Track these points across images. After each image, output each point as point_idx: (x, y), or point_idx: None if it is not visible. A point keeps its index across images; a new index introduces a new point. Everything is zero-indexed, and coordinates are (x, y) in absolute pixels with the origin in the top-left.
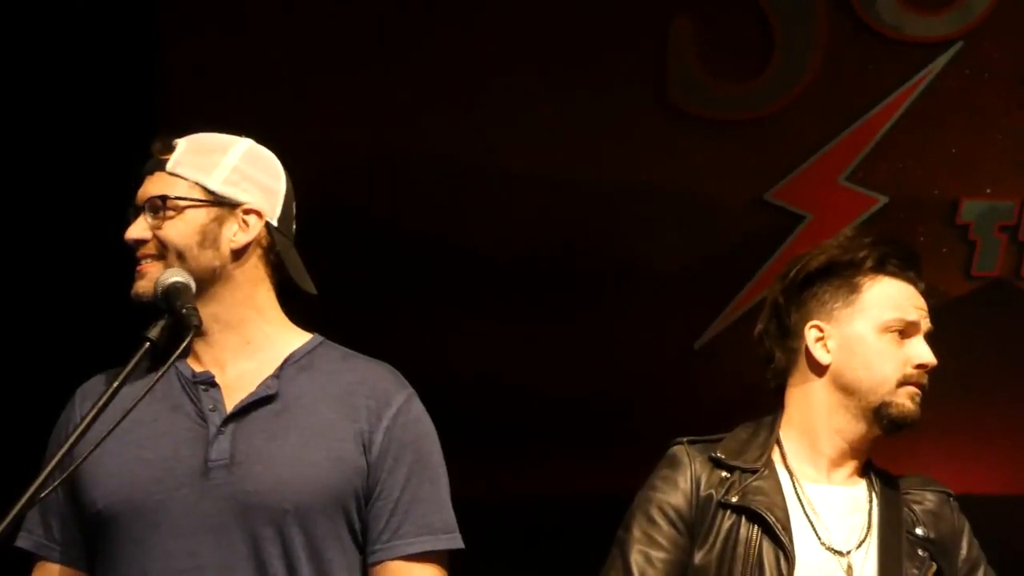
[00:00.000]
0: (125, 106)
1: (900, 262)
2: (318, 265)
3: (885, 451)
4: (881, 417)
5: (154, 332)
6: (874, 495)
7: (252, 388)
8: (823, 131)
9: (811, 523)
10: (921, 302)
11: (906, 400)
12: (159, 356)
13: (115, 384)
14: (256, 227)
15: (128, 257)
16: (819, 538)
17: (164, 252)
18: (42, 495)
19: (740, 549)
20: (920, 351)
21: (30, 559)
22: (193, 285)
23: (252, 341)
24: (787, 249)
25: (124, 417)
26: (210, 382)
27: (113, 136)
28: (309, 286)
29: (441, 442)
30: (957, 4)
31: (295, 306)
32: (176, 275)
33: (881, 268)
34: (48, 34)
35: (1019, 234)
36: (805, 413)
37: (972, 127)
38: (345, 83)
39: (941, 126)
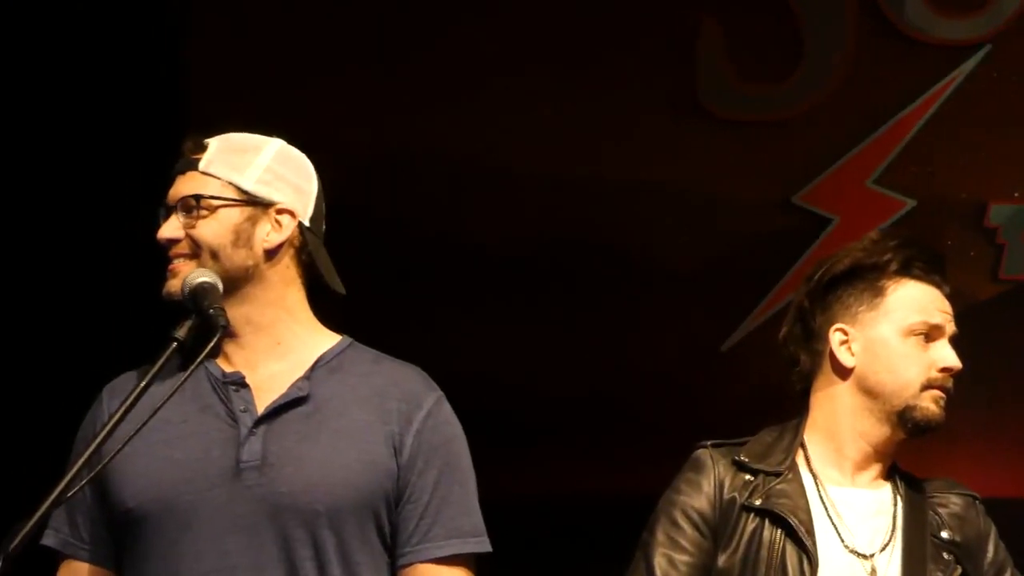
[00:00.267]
0: (139, 108)
1: (925, 265)
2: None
3: (911, 454)
4: (905, 420)
5: (181, 332)
6: (899, 498)
7: (283, 389)
8: (851, 134)
9: (835, 526)
10: (946, 305)
11: (930, 403)
12: (188, 356)
13: (142, 383)
14: (289, 227)
15: (152, 256)
16: (843, 541)
17: (197, 251)
18: (69, 494)
19: (763, 552)
20: (945, 354)
21: (56, 557)
22: (221, 285)
23: (283, 342)
24: (814, 252)
25: (152, 416)
26: (240, 383)
27: (132, 136)
28: (339, 286)
29: None
30: (986, 7)
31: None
32: (204, 275)
33: (906, 271)
34: (63, 36)
35: None
36: (829, 416)
37: (1000, 130)
38: (347, 82)
39: (969, 129)
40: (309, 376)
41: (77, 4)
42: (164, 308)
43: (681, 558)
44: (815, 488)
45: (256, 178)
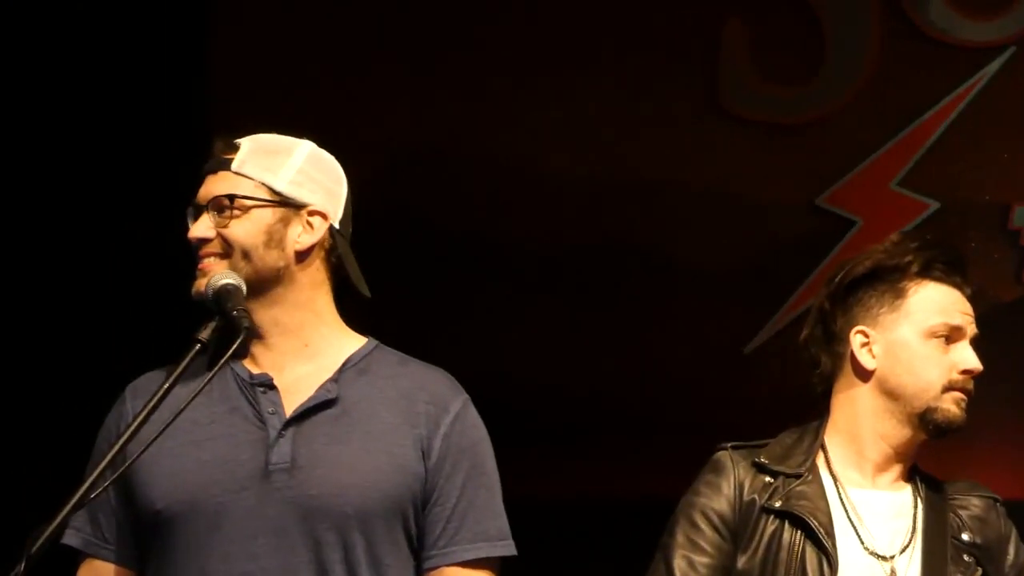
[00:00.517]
0: (173, 105)
1: (946, 267)
2: (365, 264)
3: (931, 456)
4: (927, 422)
5: (204, 334)
6: (919, 500)
7: (311, 391)
8: (874, 136)
9: (854, 528)
10: (967, 307)
11: (951, 405)
12: (212, 357)
13: (166, 385)
14: (321, 229)
15: (173, 256)
16: (862, 543)
17: (229, 251)
18: (92, 495)
19: (783, 554)
20: (966, 356)
21: (77, 557)
22: (244, 287)
23: (310, 344)
24: (837, 254)
25: (176, 417)
26: (268, 384)
27: (163, 136)
28: (365, 289)
29: None
30: (1010, 9)
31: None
32: (227, 277)
33: (927, 273)
34: (95, 36)
35: None
36: (850, 418)
37: None
38: (377, 82)
39: (993, 131)
40: (337, 378)
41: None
42: (184, 308)
43: (701, 560)
44: (835, 490)
45: (289, 179)
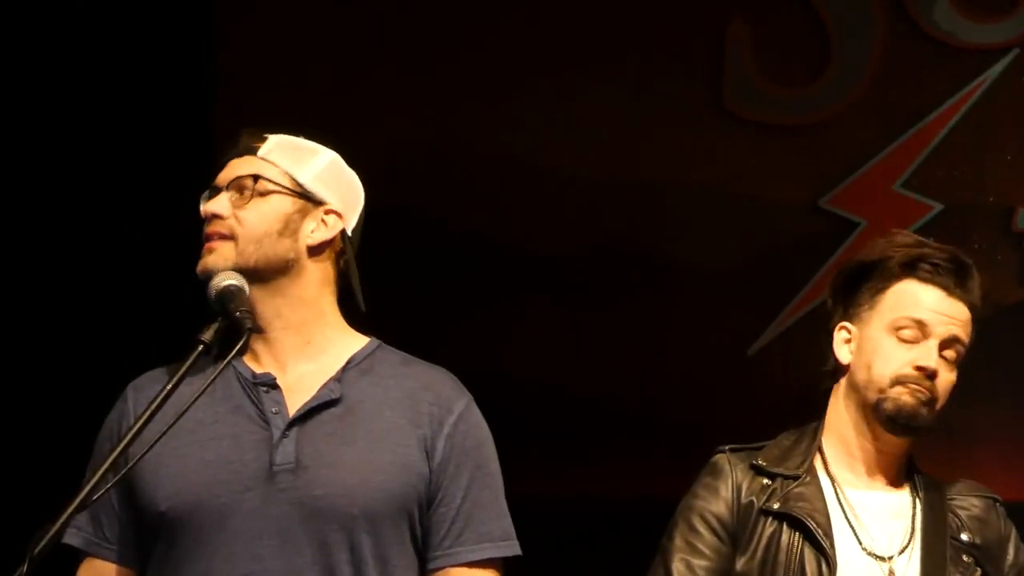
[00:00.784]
0: (175, 105)
1: (934, 267)
2: (366, 264)
3: (935, 456)
4: (880, 414)
5: (207, 335)
6: (918, 500)
7: (313, 391)
8: (878, 137)
9: (853, 529)
10: (949, 309)
11: (903, 395)
12: (215, 358)
13: (168, 386)
14: (335, 228)
15: (170, 256)
16: (860, 544)
17: (238, 234)
18: (95, 496)
19: (782, 556)
20: (923, 353)
21: (78, 556)
22: (248, 288)
23: (313, 342)
24: (841, 256)
25: (179, 418)
26: (271, 383)
27: (165, 136)
28: (361, 303)
29: None
30: (1014, 11)
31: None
32: (230, 278)
33: (911, 271)
34: (99, 37)
35: None
36: (837, 416)
37: None
38: (389, 82)
39: (997, 133)
40: (340, 378)
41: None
42: (185, 308)
43: (699, 563)
44: (833, 491)
45: (313, 175)
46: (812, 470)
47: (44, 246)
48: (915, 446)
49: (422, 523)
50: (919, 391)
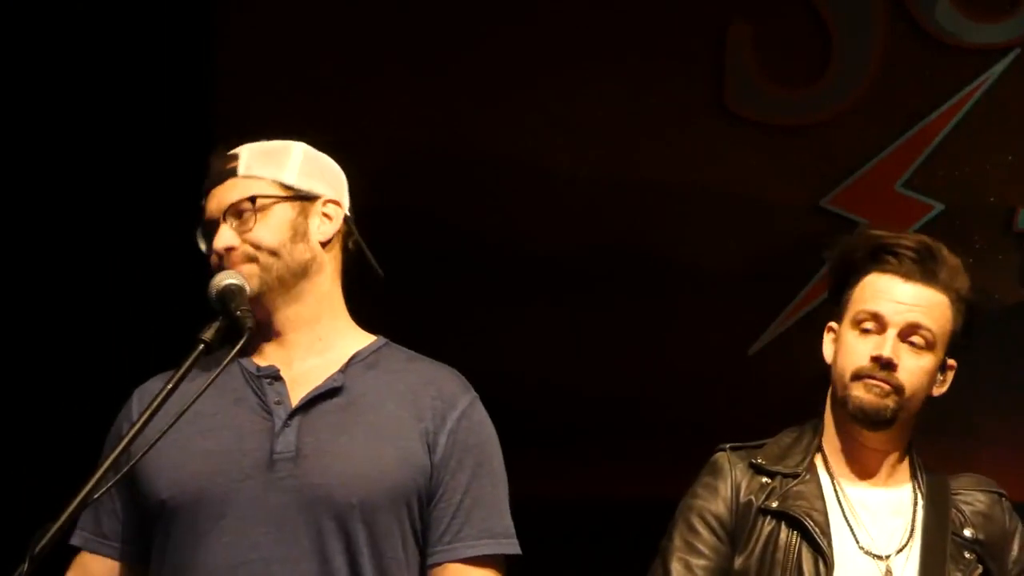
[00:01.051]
0: (177, 106)
1: (895, 256)
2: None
3: (935, 456)
4: (848, 411)
5: (208, 334)
6: (919, 496)
7: (317, 383)
8: (880, 137)
9: (851, 527)
10: (908, 296)
11: (860, 391)
12: (218, 357)
13: (168, 385)
14: (339, 217)
15: (173, 257)
16: (858, 542)
17: (256, 255)
18: (96, 495)
19: (779, 554)
20: (877, 342)
21: (74, 553)
22: (248, 288)
23: (323, 338)
24: None
25: (182, 414)
26: (275, 376)
27: (168, 138)
28: (378, 268)
29: None
30: (1016, 11)
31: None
32: (230, 277)
33: (875, 263)
34: (100, 37)
35: None
36: (829, 415)
37: None
38: (385, 84)
39: (998, 133)
40: (344, 370)
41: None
42: (187, 310)
43: (698, 562)
44: (832, 488)
45: (297, 173)
46: (812, 468)
47: (44, 246)
48: (916, 442)
49: (423, 518)
50: (875, 385)
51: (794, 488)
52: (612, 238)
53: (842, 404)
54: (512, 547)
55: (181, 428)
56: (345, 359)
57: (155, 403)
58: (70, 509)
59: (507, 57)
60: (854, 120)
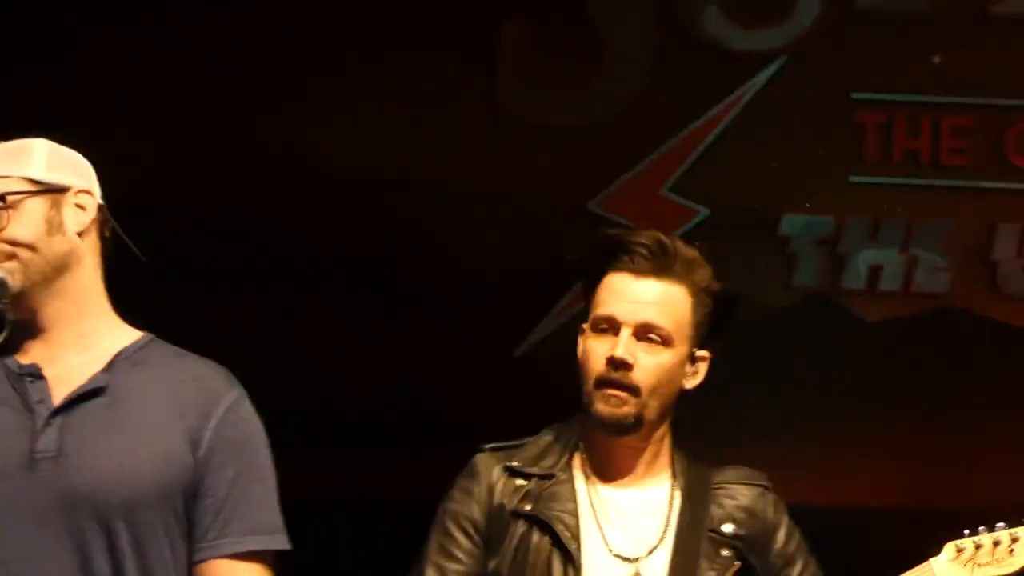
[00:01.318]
0: None
1: (628, 255)
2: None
3: (703, 458)
4: (594, 421)
5: None
6: (676, 494)
7: (81, 381)
8: (647, 141)
9: (601, 530)
10: (638, 293)
11: (598, 403)
12: None
13: None
14: (92, 206)
15: None
16: (608, 545)
17: (14, 252)
18: None
19: (531, 557)
20: (612, 344)
21: None
22: (10, 282)
23: (86, 335)
24: None
25: None
26: (36, 374)
27: None
28: (139, 253)
29: None
30: (783, 20)
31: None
32: None
33: (610, 263)
34: None
35: (837, 248)
36: (585, 414)
37: (794, 141)
38: (172, 89)
39: (763, 140)
40: (109, 369)
41: None
42: None
43: (452, 567)
44: (586, 490)
45: (43, 167)
46: (569, 468)
47: None
48: (678, 436)
49: (188, 515)
50: (612, 395)
51: (548, 490)
52: (382, 239)
53: (590, 412)
54: (279, 542)
55: None
56: (109, 356)
57: None
58: None
59: (285, 57)
60: (622, 123)
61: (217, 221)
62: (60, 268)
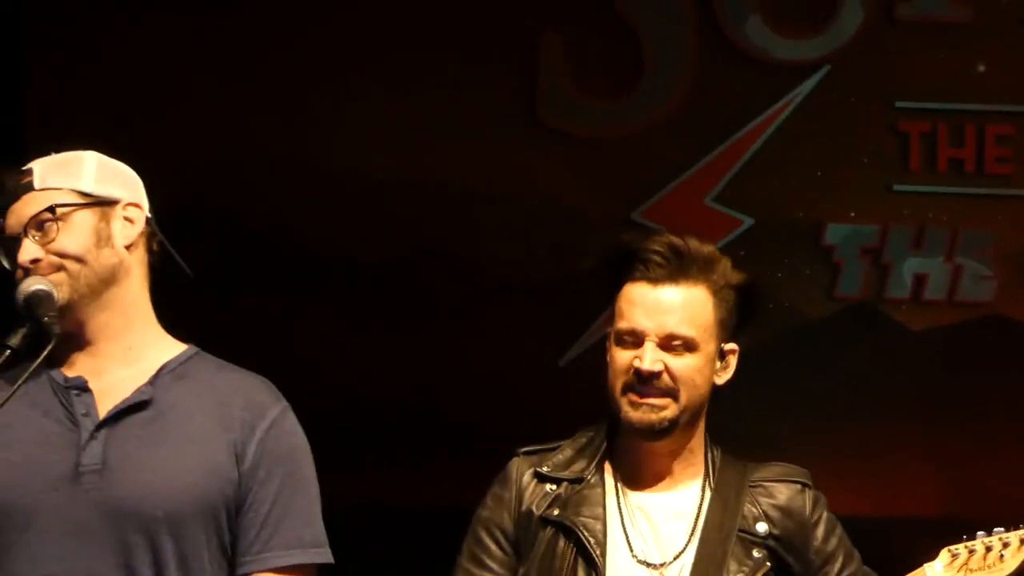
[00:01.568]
0: None
1: (643, 263)
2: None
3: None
4: (623, 427)
5: (15, 340)
6: (707, 496)
7: (126, 394)
8: (690, 151)
9: (627, 536)
10: (660, 303)
11: (627, 408)
12: (27, 364)
13: None
14: (140, 219)
15: None
16: (632, 551)
17: (62, 264)
18: None
19: (556, 563)
20: (638, 355)
21: None
22: (56, 294)
23: (133, 347)
24: None
25: None
26: (83, 387)
27: None
28: (186, 268)
29: None
30: (826, 29)
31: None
32: (38, 283)
33: (626, 273)
34: None
35: (881, 258)
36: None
37: (838, 151)
38: (211, 91)
39: (807, 149)
40: (153, 382)
41: None
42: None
43: (483, 574)
44: (615, 494)
45: (93, 180)
46: (600, 471)
47: None
48: (707, 435)
49: (232, 528)
50: (642, 403)
51: (577, 495)
52: (426, 248)
53: (618, 419)
54: (323, 556)
55: None
56: (154, 369)
57: None
58: None
59: (317, 61)
60: (665, 133)
61: (248, 230)
62: (108, 281)
